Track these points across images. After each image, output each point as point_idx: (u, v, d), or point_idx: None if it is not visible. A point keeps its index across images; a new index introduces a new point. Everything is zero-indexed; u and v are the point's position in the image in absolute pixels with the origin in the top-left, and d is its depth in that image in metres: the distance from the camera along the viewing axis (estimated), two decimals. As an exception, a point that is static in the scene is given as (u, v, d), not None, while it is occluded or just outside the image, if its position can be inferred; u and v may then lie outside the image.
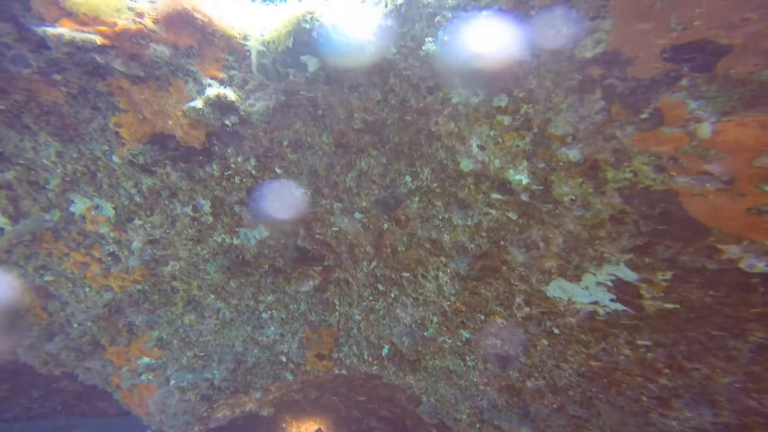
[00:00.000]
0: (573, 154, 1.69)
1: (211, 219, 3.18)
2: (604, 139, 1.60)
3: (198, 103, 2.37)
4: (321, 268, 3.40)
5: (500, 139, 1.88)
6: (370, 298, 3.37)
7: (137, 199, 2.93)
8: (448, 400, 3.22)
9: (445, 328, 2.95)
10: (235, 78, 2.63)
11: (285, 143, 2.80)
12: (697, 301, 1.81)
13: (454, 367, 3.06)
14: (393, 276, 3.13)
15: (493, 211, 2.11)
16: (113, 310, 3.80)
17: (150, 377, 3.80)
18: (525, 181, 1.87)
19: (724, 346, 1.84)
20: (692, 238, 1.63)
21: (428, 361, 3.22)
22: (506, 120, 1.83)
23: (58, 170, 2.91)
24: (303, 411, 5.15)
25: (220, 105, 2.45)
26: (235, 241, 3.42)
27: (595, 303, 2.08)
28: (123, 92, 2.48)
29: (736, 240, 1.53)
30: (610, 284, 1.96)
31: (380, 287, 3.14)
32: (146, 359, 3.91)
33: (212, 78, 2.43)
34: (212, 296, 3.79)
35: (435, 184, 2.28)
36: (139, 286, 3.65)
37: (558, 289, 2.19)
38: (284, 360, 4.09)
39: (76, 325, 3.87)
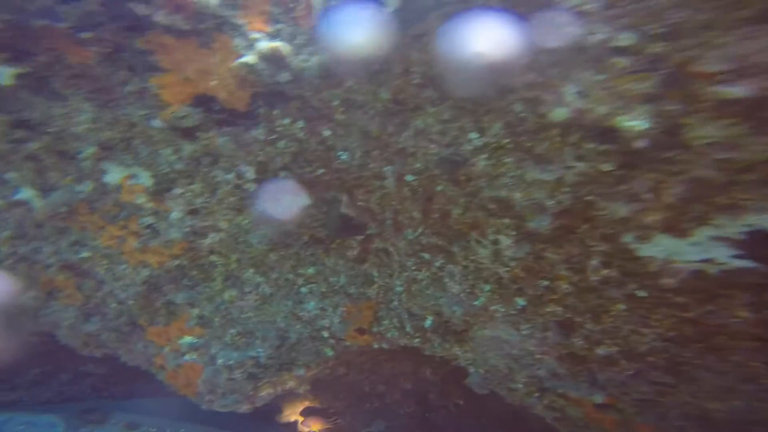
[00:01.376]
0: (733, 91, 1.36)
1: (254, 186, 2.81)
2: None
3: (250, 59, 2.01)
4: (362, 237, 3.16)
5: (610, 84, 1.55)
6: (413, 267, 2.89)
7: (177, 166, 2.51)
8: (500, 370, 2.87)
9: (498, 297, 2.56)
10: (282, 32, 2.09)
11: (336, 103, 2.34)
12: None
13: (506, 336, 2.67)
14: (440, 243, 2.59)
15: (581, 164, 1.78)
16: (152, 288, 3.58)
17: (194, 357, 3.36)
18: (642, 127, 1.55)
19: None
20: None
21: (476, 332, 2.78)
22: (623, 62, 1.50)
23: (93, 138, 2.45)
24: (327, 389, 4.95)
25: (275, 61, 2.00)
26: (278, 209, 3.14)
27: (708, 261, 1.73)
28: (165, 49, 2.10)
29: None
30: (741, 237, 1.60)
31: (425, 256, 2.68)
32: (189, 338, 3.30)
33: (259, 32, 2.03)
34: (251, 270, 3.51)
35: (507, 140, 1.92)
36: (177, 262, 3.39)
37: (655, 247, 1.82)
38: (326, 335, 3.88)
39: (114, 305, 3.62)
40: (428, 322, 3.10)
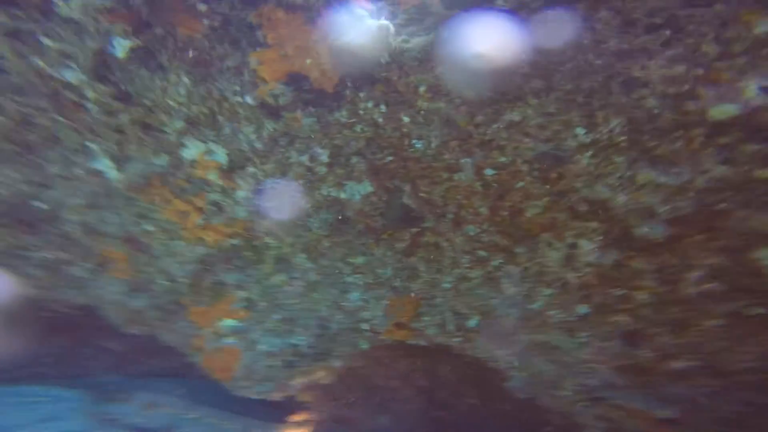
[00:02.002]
0: None
1: (325, 170, 2.23)
2: None
3: (354, 37, 1.64)
4: (416, 230, 2.71)
5: None
6: (467, 265, 2.40)
7: (257, 144, 2.12)
8: (545, 375, 2.43)
9: (558, 302, 2.15)
10: (383, 10, 2.00)
11: (422, 89, 2.12)
12: None
13: (557, 342, 2.27)
14: (502, 242, 2.18)
15: (723, 167, 1.39)
16: (204, 266, 3.08)
17: (234, 340, 2.88)
18: None
19: None
20: None
21: (526, 335, 2.38)
22: None
23: (183, 112, 2.04)
24: (342, 379, 4.39)
25: (379, 41, 1.62)
26: (342, 195, 2.47)
27: None
28: (272, 24, 1.76)
29: None
30: None
31: (481, 253, 2.28)
32: (231, 321, 2.83)
33: (364, 9, 1.66)
34: (303, 255, 3.04)
35: (622, 138, 1.53)
36: (233, 241, 2.94)
37: None
38: (365, 328, 3.37)
39: (163, 282, 3.12)
40: (473, 322, 2.63)
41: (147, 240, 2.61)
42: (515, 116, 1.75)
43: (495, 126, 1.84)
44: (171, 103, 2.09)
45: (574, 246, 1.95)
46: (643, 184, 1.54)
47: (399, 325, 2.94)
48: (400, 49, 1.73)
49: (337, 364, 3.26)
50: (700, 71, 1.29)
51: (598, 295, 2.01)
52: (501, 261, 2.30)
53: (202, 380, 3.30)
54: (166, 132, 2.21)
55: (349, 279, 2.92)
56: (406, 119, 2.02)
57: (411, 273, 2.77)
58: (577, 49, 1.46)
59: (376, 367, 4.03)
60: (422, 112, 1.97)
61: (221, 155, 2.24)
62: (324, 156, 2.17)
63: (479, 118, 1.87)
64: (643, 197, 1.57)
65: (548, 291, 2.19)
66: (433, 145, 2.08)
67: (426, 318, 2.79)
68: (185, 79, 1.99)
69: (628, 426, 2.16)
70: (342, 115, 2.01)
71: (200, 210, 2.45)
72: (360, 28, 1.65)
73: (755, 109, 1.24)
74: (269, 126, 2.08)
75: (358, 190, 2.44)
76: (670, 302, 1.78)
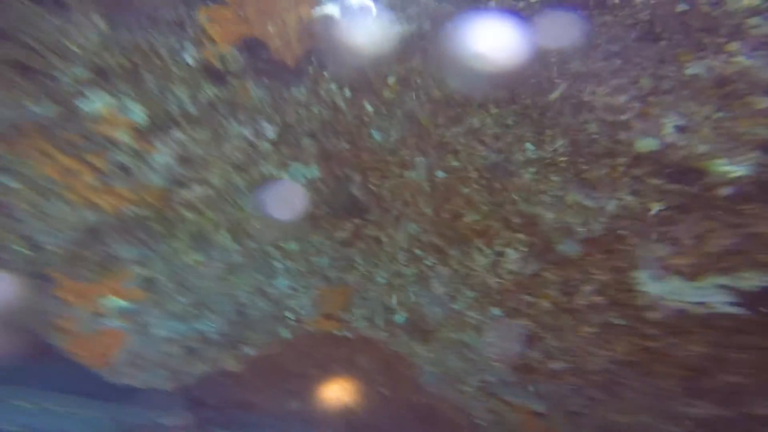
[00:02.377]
0: None
1: (269, 147, 2.03)
2: None
3: (333, 10, 1.50)
4: (359, 221, 2.63)
5: (729, 123, 1.30)
6: (403, 262, 2.41)
7: (190, 109, 1.80)
8: (455, 372, 2.57)
9: (478, 304, 2.28)
10: None
11: (391, 80, 1.98)
12: None
13: (470, 341, 2.41)
14: (439, 243, 2.22)
15: (630, 198, 1.57)
16: (94, 236, 2.51)
17: (120, 323, 2.40)
18: (738, 173, 1.34)
19: None
20: None
21: (444, 333, 2.48)
22: (762, 102, 1.24)
23: (92, 59, 1.65)
24: (254, 365, 4.13)
25: (360, 19, 1.49)
26: (284, 176, 2.50)
27: (700, 303, 1.64)
28: None
29: None
30: (751, 290, 1.50)
31: (418, 252, 2.30)
32: (120, 301, 2.35)
33: None
34: (228, 235, 2.68)
35: (563, 158, 1.66)
36: (140, 210, 2.42)
37: (661, 285, 1.68)
38: (290, 316, 3.16)
39: (21, 249, 2.38)
40: (401, 318, 2.72)
41: (8, 200, 1.98)
42: (475, 122, 1.82)
43: (455, 129, 1.89)
44: (72, 47, 1.60)
45: (501, 254, 2.14)
46: (570, 205, 1.77)
47: (328, 316, 2.87)
48: (378, 34, 1.63)
49: (251, 352, 3.04)
50: (636, 104, 1.44)
51: (512, 301, 2.26)
52: (434, 261, 2.41)
53: (65, 365, 2.71)
54: (57, 78, 1.69)
55: (279, 265, 2.71)
56: (369, 108, 1.93)
57: (347, 264, 2.71)
58: (543, 65, 1.57)
59: (293, 356, 3.89)
60: (387, 103, 1.91)
61: (138, 114, 1.81)
62: (271, 132, 1.93)
63: (441, 119, 1.90)
64: (567, 217, 1.81)
65: (471, 293, 2.38)
66: (391, 138, 2.04)
67: (357, 311, 2.78)
68: (99, 23, 1.54)
69: (510, 419, 2.51)
70: (300, 93, 1.81)
71: (97, 170, 1.96)
72: (339, 3, 1.49)
73: (667, 146, 1.43)
74: (209, 91, 1.75)
75: (303, 173, 2.26)
76: (564, 311, 2.10)
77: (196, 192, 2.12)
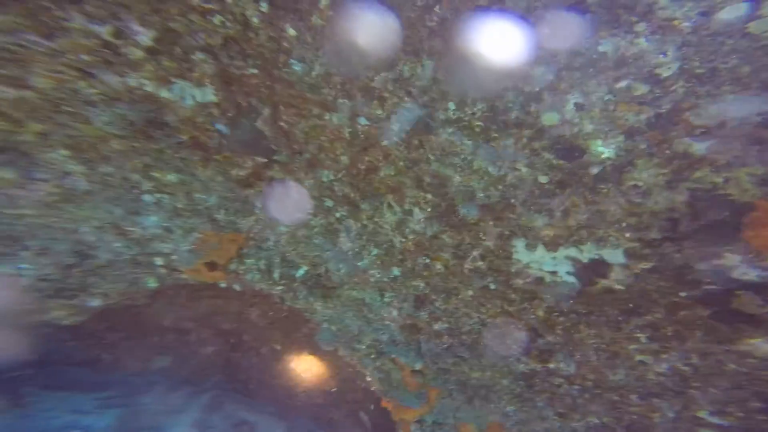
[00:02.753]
0: (698, 147, 1.38)
1: (141, 54, 1.45)
2: (745, 143, 1.30)
3: None
4: (263, 161, 2.11)
5: (612, 106, 1.45)
6: (311, 211, 2.22)
7: None
8: (351, 330, 2.58)
9: (380, 262, 2.30)
10: None
11: (324, 2, 1.48)
12: (640, 288, 1.71)
13: (370, 300, 2.46)
14: (351, 195, 2.14)
15: (525, 169, 1.72)
16: None
17: None
18: (606, 155, 1.53)
19: (619, 323, 1.79)
20: (711, 252, 1.46)
21: (345, 291, 2.46)
22: (641, 89, 1.39)
23: None
24: (108, 317, 3.37)
25: None
26: (163, 94, 1.68)
27: (553, 273, 1.92)
28: None
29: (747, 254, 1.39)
30: (585, 261, 1.79)
31: (328, 203, 2.17)
32: None
33: None
34: (65, 152, 1.90)
35: (479, 123, 1.70)
36: None
37: (528, 253, 1.93)
38: (159, 263, 2.56)
39: None
40: (301, 272, 2.58)
41: None
42: (406, 71, 1.73)
43: (384, 75, 1.76)
44: None
45: (409, 213, 2.19)
46: (476, 170, 1.89)
47: (212, 266, 2.49)
48: None
49: (96, 303, 2.45)
50: (550, 77, 1.52)
51: (410, 261, 2.36)
52: (344, 214, 2.32)
53: None
54: None
55: (148, 198, 2.18)
56: (291, 32, 1.61)
57: (243, 207, 2.37)
58: (485, 17, 1.55)
59: (167, 307, 3.33)
60: (314, 30, 1.64)
61: None
62: (145, 37, 1.43)
63: (373, 62, 1.74)
64: (472, 182, 1.94)
65: (376, 251, 2.40)
66: (314, 73, 1.78)
67: (250, 261, 2.48)
68: None
69: (394, 376, 2.73)
70: None
71: None
72: None
73: (565, 121, 1.57)
74: None
75: (192, 95, 1.79)
76: (453, 274, 2.31)
77: (23, 93, 1.48)
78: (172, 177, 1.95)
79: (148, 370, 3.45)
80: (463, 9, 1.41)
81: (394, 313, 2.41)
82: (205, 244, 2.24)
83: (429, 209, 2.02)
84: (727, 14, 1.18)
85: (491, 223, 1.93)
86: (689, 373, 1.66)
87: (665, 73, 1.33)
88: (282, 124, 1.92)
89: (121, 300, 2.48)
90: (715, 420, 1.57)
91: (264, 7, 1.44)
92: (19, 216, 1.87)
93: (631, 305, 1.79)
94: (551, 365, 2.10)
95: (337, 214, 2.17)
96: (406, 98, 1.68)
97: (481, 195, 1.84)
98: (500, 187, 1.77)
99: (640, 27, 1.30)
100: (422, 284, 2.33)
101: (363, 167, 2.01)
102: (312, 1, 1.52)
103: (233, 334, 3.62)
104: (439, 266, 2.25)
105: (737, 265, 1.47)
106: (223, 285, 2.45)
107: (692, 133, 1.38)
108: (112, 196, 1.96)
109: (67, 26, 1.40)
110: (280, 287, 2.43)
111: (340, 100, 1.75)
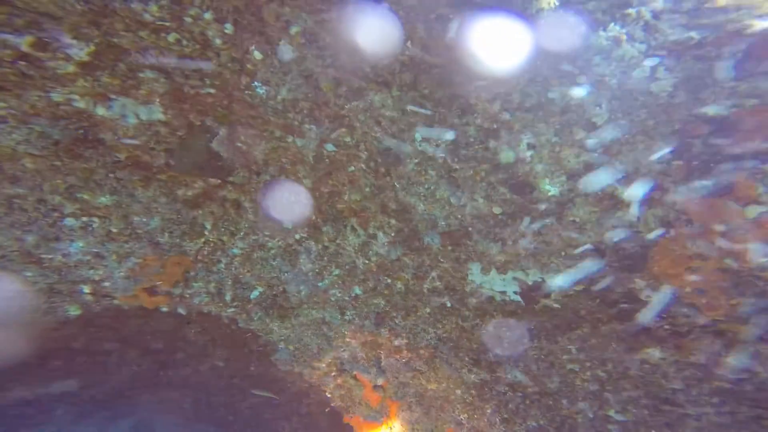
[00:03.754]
0: (622, 191, 1.62)
1: (72, 69, 1.24)
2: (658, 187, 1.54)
3: None
4: (218, 182, 2.08)
5: (557, 149, 1.65)
6: (267, 232, 2.20)
7: None
8: (310, 349, 2.58)
9: (341, 282, 2.34)
10: None
11: (295, 30, 1.40)
12: (573, 307, 1.98)
13: (330, 318, 2.48)
14: (314, 218, 2.14)
15: (482, 200, 1.89)
16: None
17: None
18: (552, 193, 1.73)
19: (555, 336, 2.07)
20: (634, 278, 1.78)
21: (304, 310, 2.46)
22: (580, 134, 1.60)
23: None
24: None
25: None
26: (99, 111, 1.54)
27: (502, 292, 2.13)
28: None
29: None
30: (529, 283, 2.03)
31: (286, 225, 2.15)
32: None
33: None
34: None
35: (441, 155, 1.83)
36: None
37: (481, 275, 2.12)
38: (85, 290, 2.21)
39: None
40: (255, 293, 2.50)
41: None
42: (376, 101, 1.75)
43: (355, 103, 1.77)
44: None
45: (373, 236, 2.25)
46: (438, 199, 2.01)
47: (151, 291, 2.27)
48: None
49: None
50: (507, 116, 1.70)
51: (372, 281, 2.44)
52: (305, 235, 2.29)
53: None
54: None
55: (71, 222, 1.91)
56: (257, 55, 1.52)
57: (190, 229, 2.19)
58: (450, 58, 1.64)
59: (77, 330, 2.94)
60: (281, 56, 1.57)
61: None
62: (80, 51, 1.24)
63: (343, 89, 1.73)
64: (435, 210, 2.05)
65: (338, 271, 2.42)
66: (279, 97, 1.71)
67: (198, 284, 2.31)
68: None
69: (356, 393, 2.81)
70: (152, 10, 1.22)
71: None
72: None
73: (519, 160, 1.78)
74: None
75: (135, 112, 1.61)
76: (412, 293, 2.45)
77: None
78: (104, 199, 1.75)
79: (44, 396, 3.05)
80: (432, 48, 1.48)
81: (354, 331, 2.48)
82: (145, 269, 2.06)
83: (393, 234, 2.10)
84: (636, 74, 1.44)
85: (450, 248, 2.08)
86: (604, 378, 2.00)
87: (599, 121, 1.56)
88: (240, 144, 1.83)
89: (28, 330, 2.18)
90: (619, 417, 1.93)
91: (229, 28, 1.35)
92: None
93: (564, 321, 2.08)
94: (498, 374, 2.35)
95: (298, 236, 2.14)
96: (376, 128, 1.72)
97: (442, 223, 1.96)
98: (459, 215, 1.92)
99: (582, 79, 1.50)
100: (383, 302, 2.42)
101: (326, 191, 2.01)
102: (284, 27, 1.47)
103: (165, 353, 3.36)
104: (399, 285, 2.36)
105: (643, 288, 1.80)
106: (164, 310, 2.27)
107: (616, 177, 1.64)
108: (24, 221, 1.70)
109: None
110: (233, 309, 2.33)
111: (307, 126, 1.73)
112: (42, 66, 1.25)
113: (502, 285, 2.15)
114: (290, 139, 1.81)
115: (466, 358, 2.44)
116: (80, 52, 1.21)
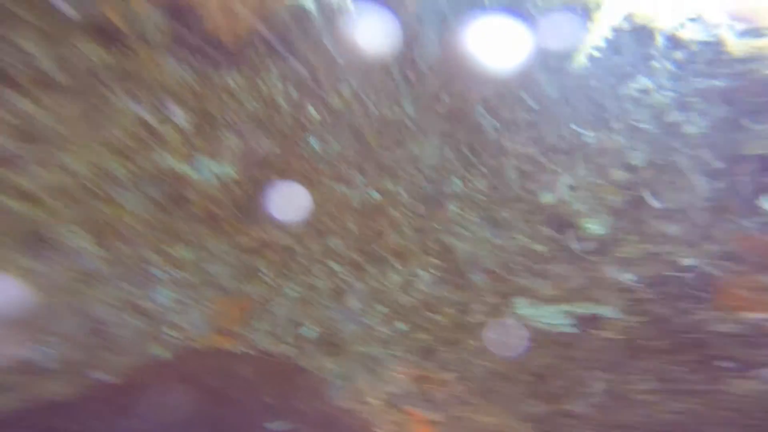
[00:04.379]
0: (666, 227, 1.66)
1: (175, 135, 1.65)
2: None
3: (306, 2, 1.27)
4: (276, 230, 2.37)
5: (596, 189, 1.71)
6: (318, 274, 2.39)
7: (50, 70, 1.28)
8: (361, 385, 2.66)
9: (387, 319, 2.41)
10: None
11: (346, 90, 1.70)
12: (631, 337, 2.08)
13: (377, 354, 2.55)
14: (358, 259, 2.28)
15: (526, 239, 1.95)
16: None
17: None
18: (598, 232, 1.78)
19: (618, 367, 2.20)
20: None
21: (353, 347, 2.55)
22: (619, 174, 1.65)
23: None
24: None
25: (330, 15, 1.36)
26: (186, 170, 1.98)
27: (552, 324, 2.17)
28: None
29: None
30: (582, 314, 2.10)
31: (335, 266, 2.29)
32: None
33: None
34: (89, 236, 1.96)
35: (482, 198, 1.92)
36: None
37: (529, 308, 2.19)
38: (171, 333, 2.56)
39: None
40: (310, 332, 2.67)
41: None
42: (416, 150, 1.93)
43: (398, 153, 1.96)
44: None
45: (415, 275, 2.36)
46: (480, 239, 2.10)
47: (222, 332, 2.53)
48: (347, 39, 1.53)
49: (105, 377, 2.44)
50: (543, 159, 1.79)
51: (416, 316, 2.52)
52: (352, 277, 2.46)
53: None
54: None
55: (158, 273, 2.25)
56: (314, 114, 1.79)
57: (250, 274, 2.46)
58: (485, 102, 1.78)
59: (173, 375, 3.25)
60: (334, 113, 1.82)
61: None
62: (181, 117, 1.57)
63: (387, 140, 1.94)
64: (477, 249, 2.13)
65: (384, 309, 2.53)
66: (330, 150, 1.96)
67: (259, 324, 2.55)
68: None
69: (408, 428, 2.81)
70: (233, 79, 1.54)
71: None
72: None
73: (559, 201, 1.83)
74: (94, 55, 1.29)
75: (212, 169, 1.93)
76: (457, 327, 2.48)
77: (40, 177, 1.57)
78: (185, 252, 2.04)
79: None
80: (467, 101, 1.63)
81: (403, 366, 2.53)
82: (216, 312, 2.31)
83: (435, 271, 2.20)
84: (669, 119, 1.49)
85: (493, 283, 2.12)
86: (689, 409, 1.87)
87: (637, 162, 1.60)
88: (295, 195, 2.07)
89: (129, 373, 2.48)
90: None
91: (294, 92, 1.62)
92: (44, 303, 1.91)
93: (626, 352, 2.00)
94: (564, 407, 2.26)
95: (345, 276, 2.31)
96: (419, 175, 1.87)
97: (486, 261, 2.03)
98: (502, 254, 1.98)
99: (617, 125, 1.56)
100: (429, 337, 2.47)
101: (370, 233, 2.17)
102: (336, 88, 1.71)
103: (218, 391, 3.57)
104: (444, 320, 2.41)
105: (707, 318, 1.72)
106: (231, 349, 2.50)
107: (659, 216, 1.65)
108: (124, 273, 2.03)
109: (112, 109, 1.53)
110: (291, 347, 2.50)
111: (354, 175, 1.93)
112: (155, 133, 1.58)
113: (552, 317, 2.14)
114: (338, 187, 2.03)
115: (522, 390, 2.38)
116: (182, 120, 1.53)
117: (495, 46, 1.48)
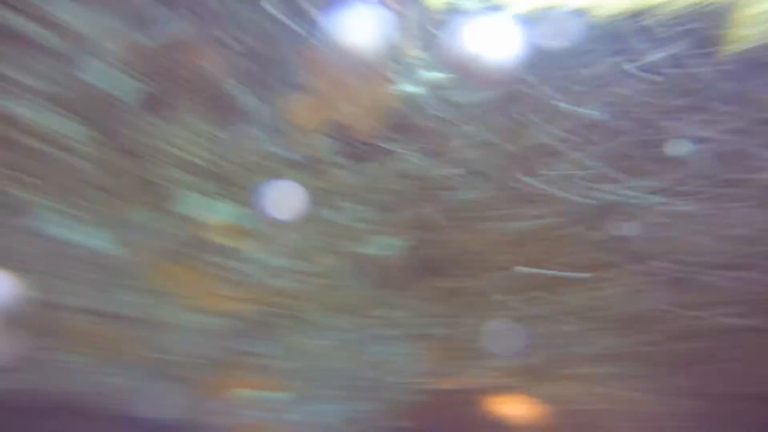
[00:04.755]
0: None
1: (365, 227, 2.26)
2: None
3: (415, 88, 1.61)
4: (446, 277, 2.62)
5: None
6: (504, 306, 2.49)
7: (282, 201, 2.01)
8: None
9: (594, 334, 2.40)
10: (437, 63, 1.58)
11: (460, 143, 1.83)
12: None
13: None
14: (532, 283, 2.32)
15: None
16: (222, 337, 2.77)
17: (261, 413, 2.76)
18: None
19: None
20: None
21: (559, 372, 2.63)
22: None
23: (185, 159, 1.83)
24: None
25: (436, 90, 1.63)
26: (373, 251, 2.44)
27: None
28: (314, 65, 1.55)
29: None
30: None
31: (508, 296, 2.42)
32: (267, 392, 2.72)
33: (415, 58, 1.54)
34: (328, 312, 2.87)
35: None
36: (255, 307, 2.70)
37: None
38: (395, 381, 3.20)
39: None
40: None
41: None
42: (564, 167, 1.89)
43: (528, 180, 1.97)
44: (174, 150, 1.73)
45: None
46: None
47: (438, 373, 2.89)
48: (462, 102, 1.75)
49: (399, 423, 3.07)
50: None
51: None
52: (537, 297, 2.41)
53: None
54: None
55: (378, 330, 2.83)
56: (455, 172, 2.05)
57: (448, 320, 2.76)
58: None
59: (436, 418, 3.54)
60: (468, 164, 2.05)
61: (235, 213, 2.05)
62: (365, 212, 2.13)
63: (517, 172, 1.99)
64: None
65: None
66: (470, 196, 2.16)
67: (463, 361, 2.77)
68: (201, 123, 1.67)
69: None
70: (387, 170, 1.99)
71: (209, 275, 2.27)
72: (413, 78, 1.65)
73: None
74: (310, 181, 1.96)
75: (391, 244, 2.41)
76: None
77: (296, 284, 2.35)
78: (397, 311, 2.53)
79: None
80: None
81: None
82: (429, 358, 2.66)
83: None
84: None
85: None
86: None
87: None
88: (454, 244, 2.31)
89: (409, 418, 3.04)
90: None
91: (432, 162, 1.94)
92: (333, 368, 2.72)
93: None
94: None
95: (526, 301, 2.30)
96: (557, 193, 1.82)
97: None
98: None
99: None
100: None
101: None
102: (452, 146, 1.93)
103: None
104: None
105: None
106: (451, 388, 2.77)
107: None
108: (355, 337, 2.63)
109: (325, 219, 2.19)
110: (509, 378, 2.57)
111: (498, 210, 2.06)
112: (350, 228, 2.18)
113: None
114: (489, 225, 2.17)
115: None
116: (366, 212, 2.07)
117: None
